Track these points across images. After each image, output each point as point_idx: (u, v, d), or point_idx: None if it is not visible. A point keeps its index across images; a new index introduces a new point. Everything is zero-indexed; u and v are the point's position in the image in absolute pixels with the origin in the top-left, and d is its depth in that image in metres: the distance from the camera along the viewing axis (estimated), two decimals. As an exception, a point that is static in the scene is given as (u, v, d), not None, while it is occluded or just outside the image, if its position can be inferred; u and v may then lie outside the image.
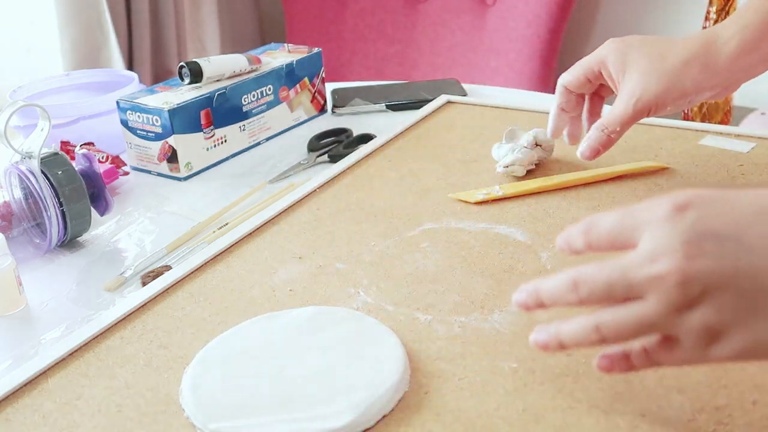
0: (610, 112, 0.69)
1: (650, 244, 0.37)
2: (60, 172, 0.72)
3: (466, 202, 0.75)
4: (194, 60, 0.92)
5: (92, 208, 0.75)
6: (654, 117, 0.70)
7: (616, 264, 0.39)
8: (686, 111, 1.64)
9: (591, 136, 0.70)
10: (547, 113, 0.78)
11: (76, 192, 0.72)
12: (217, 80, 0.94)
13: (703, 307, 0.37)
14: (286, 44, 1.10)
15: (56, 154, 0.73)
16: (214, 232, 0.75)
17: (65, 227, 0.72)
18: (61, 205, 0.71)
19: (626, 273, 0.38)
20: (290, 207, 0.77)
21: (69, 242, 0.75)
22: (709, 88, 0.66)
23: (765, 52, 0.65)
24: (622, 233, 0.40)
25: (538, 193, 0.76)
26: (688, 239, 0.35)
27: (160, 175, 0.92)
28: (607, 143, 0.70)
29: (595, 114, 0.76)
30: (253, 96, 0.97)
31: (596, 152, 0.71)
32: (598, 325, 0.40)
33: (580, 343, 0.41)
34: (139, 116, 0.89)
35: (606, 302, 0.40)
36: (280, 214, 0.75)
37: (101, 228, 0.79)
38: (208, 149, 0.93)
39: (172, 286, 0.64)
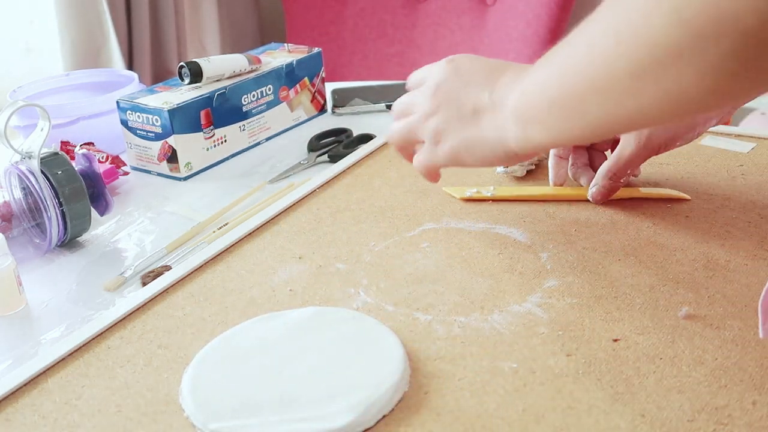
0: (619, 156, 0.68)
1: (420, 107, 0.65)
2: (60, 172, 0.72)
3: (452, 196, 0.76)
4: (194, 60, 0.92)
5: (92, 208, 0.75)
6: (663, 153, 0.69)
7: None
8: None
9: (601, 183, 0.70)
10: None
11: (76, 192, 0.72)
12: (217, 80, 0.94)
13: (436, 116, 0.60)
14: (286, 44, 1.10)
15: (56, 154, 0.73)
16: (214, 232, 0.75)
17: (65, 227, 0.72)
18: (61, 205, 0.71)
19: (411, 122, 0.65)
20: (290, 207, 0.77)
21: (69, 242, 0.75)
22: (716, 114, 0.66)
23: None
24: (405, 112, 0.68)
25: (531, 200, 0.75)
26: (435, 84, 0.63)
27: (160, 175, 0.92)
28: (617, 188, 0.70)
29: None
30: (253, 96, 0.97)
31: (607, 197, 0.71)
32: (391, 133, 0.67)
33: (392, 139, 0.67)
34: (139, 116, 0.89)
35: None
36: (280, 214, 0.75)
37: (101, 228, 0.79)
38: (208, 149, 0.92)
39: (172, 286, 0.64)
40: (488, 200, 0.75)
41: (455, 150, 0.58)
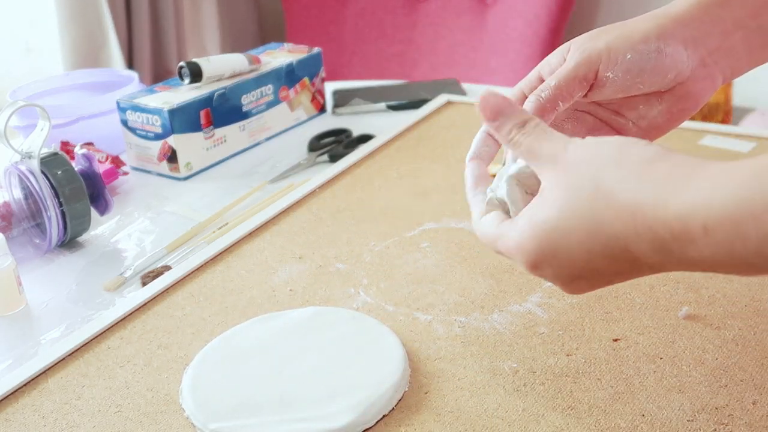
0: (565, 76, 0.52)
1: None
2: (60, 172, 0.72)
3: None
4: (194, 60, 0.92)
5: (92, 208, 0.75)
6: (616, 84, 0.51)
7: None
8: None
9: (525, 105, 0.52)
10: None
11: (76, 192, 0.72)
12: (217, 80, 0.94)
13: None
14: (286, 44, 1.10)
15: (56, 154, 0.73)
16: (214, 232, 0.75)
17: (65, 227, 0.72)
18: (61, 205, 0.71)
19: None
20: (290, 207, 0.77)
21: (69, 242, 0.75)
22: (673, 37, 0.52)
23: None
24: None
25: None
26: (562, 284, 0.44)
27: (160, 175, 0.92)
28: (541, 111, 0.51)
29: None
30: (253, 96, 0.97)
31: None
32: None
33: None
34: (139, 116, 0.89)
35: None
36: (279, 214, 0.75)
37: (101, 228, 0.79)
38: (208, 149, 0.92)
39: (172, 286, 0.64)
40: None
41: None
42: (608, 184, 0.40)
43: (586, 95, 0.52)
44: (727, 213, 0.35)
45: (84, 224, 0.74)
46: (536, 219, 0.43)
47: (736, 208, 0.34)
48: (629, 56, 0.51)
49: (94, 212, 0.76)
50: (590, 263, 0.41)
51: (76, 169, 0.74)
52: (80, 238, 0.77)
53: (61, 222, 0.72)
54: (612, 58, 0.51)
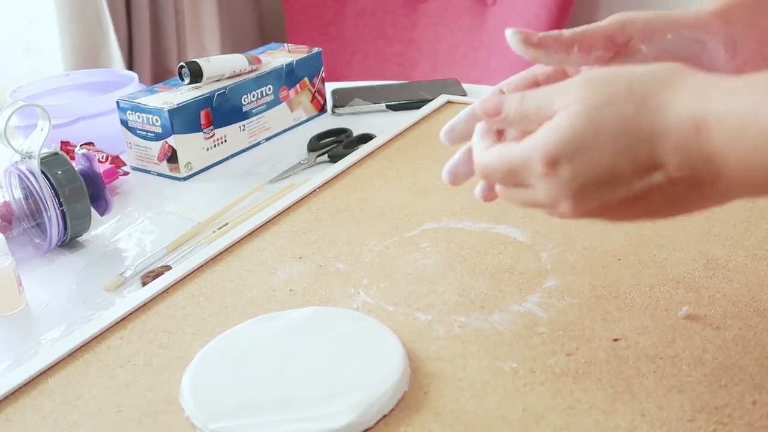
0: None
1: (543, 197, 0.43)
2: (60, 172, 0.72)
3: None
4: (194, 60, 0.92)
5: (92, 208, 0.75)
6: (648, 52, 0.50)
7: (523, 193, 0.45)
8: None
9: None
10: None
11: (76, 192, 0.72)
12: (217, 80, 0.94)
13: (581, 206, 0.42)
14: (286, 44, 1.10)
15: (56, 154, 0.73)
16: (214, 232, 0.75)
17: (65, 227, 0.72)
18: (61, 205, 0.71)
19: (529, 199, 0.44)
20: (290, 207, 0.77)
21: (69, 242, 0.75)
22: (716, 35, 0.51)
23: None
24: (514, 183, 0.45)
25: None
26: (572, 194, 0.41)
27: (160, 175, 0.92)
28: (553, 43, 0.51)
29: None
30: (253, 96, 0.97)
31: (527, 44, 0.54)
32: (496, 190, 0.47)
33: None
34: (139, 116, 0.89)
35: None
36: (279, 214, 0.75)
37: (101, 228, 0.79)
38: (208, 149, 0.92)
39: (172, 286, 0.64)
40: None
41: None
42: (641, 87, 0.39)
43: (606, 60, 0.51)
44: (744, 106, 0.36)
45: (84, 224, 0.74)
46: (561, 118, 0.41)
47: (754, 104, 0.35)
48: (669, 37, 0.50)
49: (94, 212, 0.76)
50: (614, 165, 0.39)
51: (76, 169, 0.74)
52: (80, 238, 0.77)
53: (61, 222, 0.72)
54: (649, 32, 0.50)
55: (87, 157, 0.77)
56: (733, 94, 0.37)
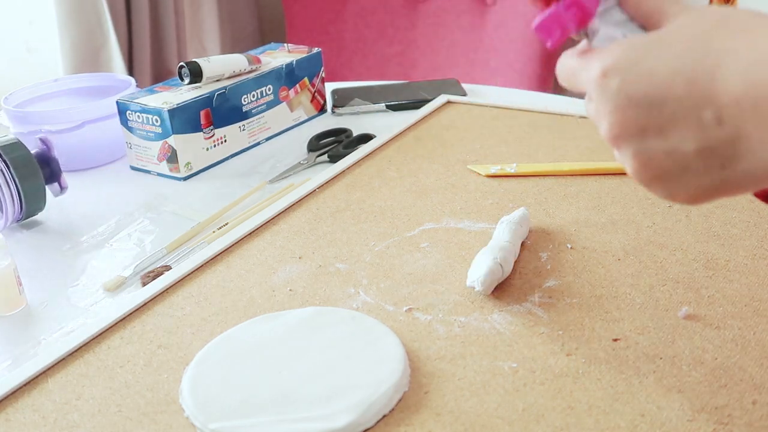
0: None
1: (592, 109, 0.41)
2: (16, 156, 0.77)
3: (477, 174, 0.80)
4: (194, 60, 0.92)
5: (48, 189, 0.81)
6: None
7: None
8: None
9: None
10: (547, 113, 0.78)
11: (30, 173, 0.78)
12: (217, 80, 0.94)
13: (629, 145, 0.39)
14: (286, 44, 1.10)
15: (15, 141, 0.78)
16: (214, 232, 0.75)
17: (21, 205, 0.78)
18: (16, 184, 0.76)
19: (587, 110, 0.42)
20: (290, 207, 0.77)
21: (27, 221, 0.81)
22: None
23: None
24: (573, 85, 0.43)
25: (552, 174, 0.79)
26: (614, 108, 0.38)
27: (159, 175, 0.92)
28: None
29: None
30: (253, 96, 0.97)
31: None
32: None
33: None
34: (138, 116, 0.89)
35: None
36: (279, 214, 0.75)
37: (101, 228, 0.79)
38: (207, 149, 0.92)
39: (172, 286, 0.64)
40: (512, 176, 0.79)
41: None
42: (733, 13, 0.37)
43: None
44: None
45: (39, 203, 0.80)
46: (638, 37, 0.39)
47: None
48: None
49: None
50: (670, 82, 0.36)
51: (32, 152, 0.79)
52: (81, 239, 0.77)
53: (17, 199, 0.77)
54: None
55: (44, 141, 0.82)
56: None
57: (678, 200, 0.40)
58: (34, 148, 0.81)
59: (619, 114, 0.38)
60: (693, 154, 0.37)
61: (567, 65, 0.43)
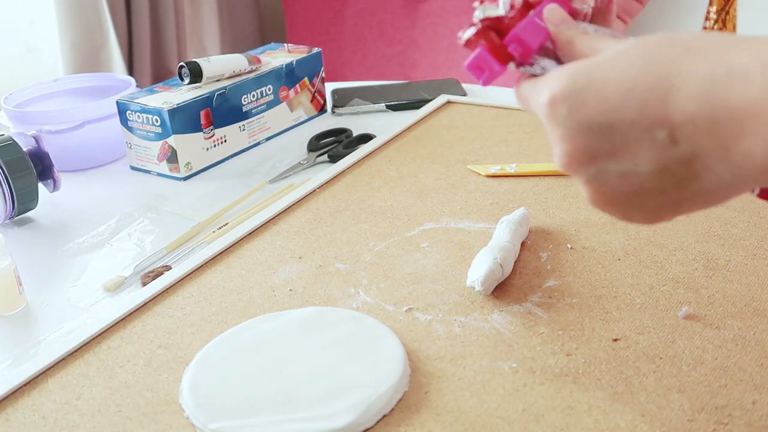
0: None
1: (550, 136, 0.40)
2: (9, 155, 0.77)
3: (477, 174, 0.80)
4: (194, 60, 0.92)
5: (42, 185, 0.82)
6: None
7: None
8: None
9: None
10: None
11: (22, 171, 0.78)
12: (217, 80, 0.94)
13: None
14: (286, 44, 1.10)
15: (10, 140, 0.79)
16: (214, 232, 0.75)
17: (13, 202, 0.78)
18: (8, 182, 0.77)
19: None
20: (290, 207, 0.77)
21: (19, 216, 0.81)
22: None
23: None
24: (528, 110, 0.43)
25: (552, 175, 0.79)
26: (564, 135, 0.38)
27: (159, 175, 0.92)
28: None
29: None
30: (253, 96, 0.97)
31: None
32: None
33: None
34: (138, 116, 0.89)
35: None
36: (279, 214, 0.75)
37: (101, 227, 0.79)
38: (207, 149, 0.92)
39: (172, 286, 0.64)
40: (512, 176, 0.79)
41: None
42: (679, 36, 0.36)
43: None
44: None
45: (32, 200, 0.80)
46: (583, 60, 0.38)
47: None
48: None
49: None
50: (620, 106, 0.36)
51: (25, 149, 0.80)
52: (81, 239, 0.77)
53: (9, 197, 0.77)
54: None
55: (35, 138, 0.82)
56: None
57: (636, 221, 0.40)
58: (27, 146, 0.82)
59: (569, 141, 0.38)
60: (647, 176, 0.37)
61: (520, 91, 0.43)
